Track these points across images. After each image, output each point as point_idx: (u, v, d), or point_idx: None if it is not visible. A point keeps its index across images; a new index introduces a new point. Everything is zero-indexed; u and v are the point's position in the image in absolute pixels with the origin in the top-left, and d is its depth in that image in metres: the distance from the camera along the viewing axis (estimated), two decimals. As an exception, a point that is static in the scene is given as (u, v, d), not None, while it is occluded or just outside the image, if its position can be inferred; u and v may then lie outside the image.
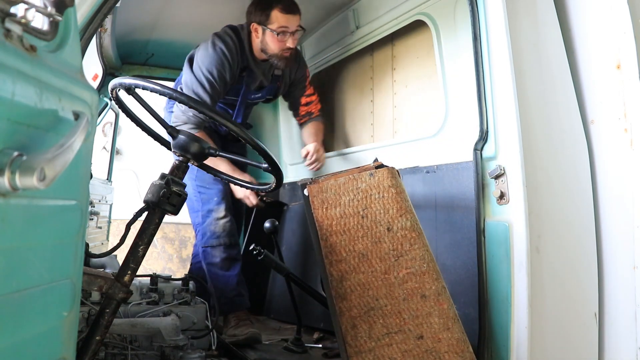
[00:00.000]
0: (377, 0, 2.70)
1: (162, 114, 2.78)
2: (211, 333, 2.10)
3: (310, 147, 2.88)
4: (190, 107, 1.51)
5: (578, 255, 1.74)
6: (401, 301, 1.63)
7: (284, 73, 2.85)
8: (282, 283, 2.70)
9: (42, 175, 0.71)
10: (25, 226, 0.81)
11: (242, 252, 3.03)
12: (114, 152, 4.22)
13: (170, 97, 1.49)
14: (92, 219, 3.53)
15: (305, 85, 2.98)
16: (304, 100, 2.98)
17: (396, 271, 1.65)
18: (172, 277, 2.20)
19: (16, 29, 0.76)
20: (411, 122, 2.74)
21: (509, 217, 1.70)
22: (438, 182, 2.19)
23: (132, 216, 1.55)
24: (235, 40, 2.60)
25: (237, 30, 2.64)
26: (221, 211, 2.71)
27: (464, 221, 2.01)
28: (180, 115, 2.52)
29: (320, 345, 2.52)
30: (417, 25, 2.55)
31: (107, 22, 2.78)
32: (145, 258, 1.54)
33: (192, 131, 2.40)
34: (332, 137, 3.43)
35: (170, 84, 2.97)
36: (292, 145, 3.61)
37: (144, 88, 1.51)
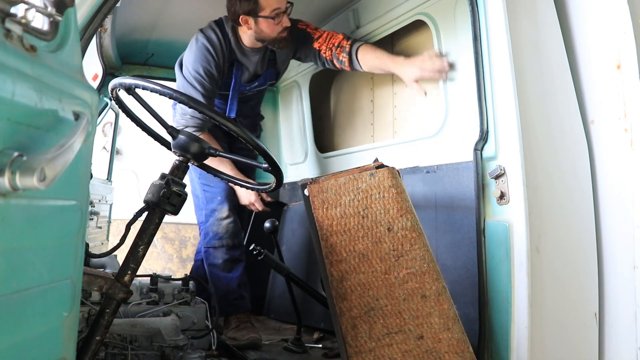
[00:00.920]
0: (377, 0, 2.70)
1: (166, 113, 2.77)
2: (211, 333, 2.10)
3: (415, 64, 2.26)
4: (190, 107, 1.51)
5: (578, 255, 1.74)
6: (401, 301, 1.63)
7: (277, 54, 2.70)
8: (282, 283, 2.70)
9: (43, 176, 0.71)
10: (26, 226, 0.81)
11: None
12: (114, 152, 4.22)
13: (170, 97, 1.49)
14: (92, 219, 3.53)
15: (309, 36, 2.60)
16: (316, 45, 2.59)
17: (396, 271, 1.65)
18: (172, 277, 2.20)
19: (16, 29, 0.76)
20: (411, 122, 2.74)
21: (509, 217, 1.70)
22: (438, 182, 2.19)
23: (132, 216, 1.55)
24: (219, 34, 2.51)
25: (222, 23, 2.56)
26: (224, 211, 2.68)
27: (464, 221, 2.01)
28: (179, 120, 2.47)
29: (320, 345, 2.52)
30: (417, 25, 2.55)
31: (107, 22, 2.78)
32: (145, 258, 1.54)
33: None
34: (332, 137, 3.43)
35: (171, 84, 2.96)
36: (292, 145, 3.61)
37: (144, 88, 1.51)
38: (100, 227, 3.80)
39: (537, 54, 1.79)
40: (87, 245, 1.43)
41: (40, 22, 0.87)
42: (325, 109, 3.51)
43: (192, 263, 3.16)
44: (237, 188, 2.73)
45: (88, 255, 1.51)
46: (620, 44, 1.70)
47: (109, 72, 3.33)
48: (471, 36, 1.83)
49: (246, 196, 2.75)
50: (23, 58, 0.77)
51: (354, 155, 2.94)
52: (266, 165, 1.63)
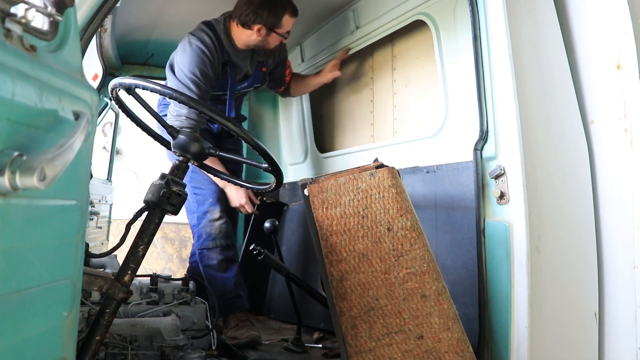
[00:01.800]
0: (377, 0, 2.70)
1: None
2: (211, 333, 2.10)
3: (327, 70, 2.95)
4: (190, 107, 1.51)
5: (578, 255, 1.74)
6: (401, 301, 1.63)
7: (266, 59, 2.86)
8: (282, 283, 2.70)
9: (43, 175, 0.71)
10: (25, 226, 0.81)
11: (242, 253, 3.04)
12: (114, 152, 4.22)
13: (170, 97, 1.49)
14: (92, 219, 3.53)
15: (286, 62, 3.03)
16: (288, 63, 3.07)
17: (396, 271, 1.65)
18: (172, 277, 2.20)
19: (16, 29, 0.76)
20: (411, 122, 2.74)
21: (509, 217, 1.70)
22: (438, 182, 2.19)
23: (132, 216, 1.55)
24: (211, 36, 2.56)
25: (212, 25, 2.61)
26: (216, 213, 2.69)
27: (464, 221, 2.01)
28: (173, 121, 2.45)
29: (320, 345, 2.52)
30: (417, 25, 2.55)
31: (107, 22, 2.78)
32: (145, 258, 1.54)
33: None
34: (332, 137, 3.43)
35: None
36: (292, 145, 3.61)
37: (144, 88, 1.51)
38: (100, 227, 3.80)
39: (537, 54, 1.79)
40: (87, 245, 1.43)
41: (40, 22, 0.87)
42: (325, 109, 3.51)
43: (192, 264, 3.17)
44: (227, 190, 2.74)
45: (88, 255, 1.51)
46: (620, 44, 1.69)
47: (109, 72, 3.33)
48: (471, 36, 1.83)
49: (236, 198, 2.75)
50: (23, 58, 0.77)
51: (354, 155, 2.94)
52: (266, 165, 1.63)
